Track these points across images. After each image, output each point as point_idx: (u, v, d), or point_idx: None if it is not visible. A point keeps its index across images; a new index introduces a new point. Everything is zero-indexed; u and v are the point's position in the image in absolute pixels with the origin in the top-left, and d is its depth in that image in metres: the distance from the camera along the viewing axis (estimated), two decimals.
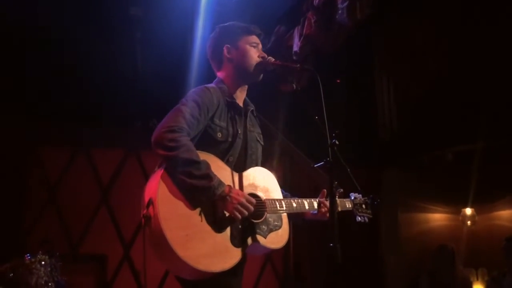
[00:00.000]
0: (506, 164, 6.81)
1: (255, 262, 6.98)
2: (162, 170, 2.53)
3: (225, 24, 3.06)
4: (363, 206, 3.33)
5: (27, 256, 4.52)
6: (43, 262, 4.56)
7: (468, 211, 8.23)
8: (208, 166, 2.55)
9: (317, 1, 5.39)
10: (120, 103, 6.35)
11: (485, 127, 6.30)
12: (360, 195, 3.34)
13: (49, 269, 4.59)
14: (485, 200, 7.92)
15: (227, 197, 2.54)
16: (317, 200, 3.04)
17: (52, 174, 6.58)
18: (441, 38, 6.15)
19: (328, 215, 3.00)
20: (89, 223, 6.57)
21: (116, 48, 5.99)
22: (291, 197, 2.99)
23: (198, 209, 2.53)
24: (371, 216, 3.34)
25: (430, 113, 6.53)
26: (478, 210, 8.21)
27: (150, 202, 2.46)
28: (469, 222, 8.22)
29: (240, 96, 2.98)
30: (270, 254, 7.14)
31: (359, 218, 3.30)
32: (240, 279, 2.76)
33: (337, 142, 2.67)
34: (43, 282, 4.51)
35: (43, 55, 5.86)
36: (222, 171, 2.65)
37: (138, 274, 6.50)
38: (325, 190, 3.07)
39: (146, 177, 2.61)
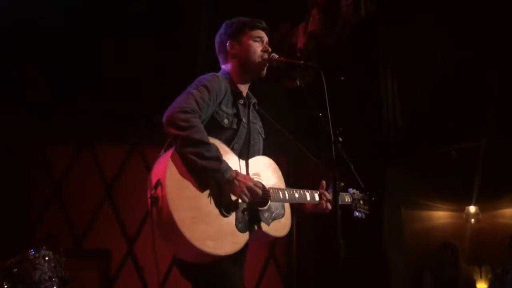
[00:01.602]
0: (510, 162, 6.80)
1: (258, 258, 7.00)
2: (172, 151, 2.55)
3: (232, 19, 3.08)
4: (361, 201, 3.37)
5: (31, 252, 4.52)
6: (47, 258, 4.57)
7: (472, 209, 8.23)
8: (217, 149, 2.59)
9: None
10: (124, 98, 6.36)
11: (489, 124, 6.28)
12: (358, 191, 3.37)
13: (53, 264, 4.60)
14: (489, 198, 7.92)
15: (235, 181, 2.57)
16: (318, 192, 3.07)
17: (57, 170, 6.60)
18: (446, 35, 6.13)
19: (329, 206, 3.04)
20: (93, 219, 6.59)
21: (120, 42, 6.00)
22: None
23: (206, 192, 2.55)
24: (367, 213, 3.38)
25: (435, 110, 6.51)
26: (482, 208, 8.21)
27: (159, 183, 2.48)
28: (473, 220, 8.22)
29: (244, 89, 3.02)
30: (273, 251, 7.16)
31: (357, 213, 3.34)
32: (242, 269, 2.79)
33: (341, 139, 2.67)
34: (47, 278, 4.52)
35: (47, 50, 5.87)
36: (228, 157, 2.69)
37: (142, 269, 6.52)
38: (324, 182, 3.10)
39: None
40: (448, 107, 6.41)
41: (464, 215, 8.32)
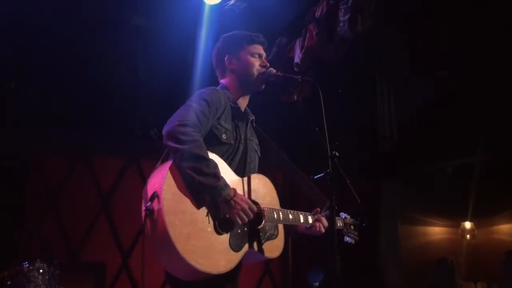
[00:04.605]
0: (506, 178, 6.81)
1: (253, 273, 6.97)
2: (170, 164, 2.52)
3: (229, 33, 3.09)
4: (352, 227, 3.34)
5: (25, 264, 4.51)
6: (41, 270, 4.55)
7: (468, 224, 8.23)
8: (216, 165, 2.56)
9: (319, 13, 5.42)
10: (121, 112, 6.37)
11: (485, 140, 6.31)
12: (349, 216, 3.35)
13: (47, 277, 4.58)
14: (484, 214, 7.93)
15: (231, 201, 2.54)
16: (312, 215, 3.05)
17: (53, 182, 6.57)
18: (442, 51, 6.16)
19: (322, 230, 3.02)
20: (88, 231, 6.56)
21: (117, 57, 6.01)
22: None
23: (202, 209, 2.52)
24: (357, 239, 3.34)
25: (431, 125, 6.54)
26: (477, 224, 8.22)
27: (155, 195, 2.45)
28: (468, 236, 8.22)
29: (243, 104, 3.01)
30: (269, 266, 7.13)
31: (347, 238, 3.30)
32: (236, 286, 2.76)
33: (337, 154, 2.68)
34: None
35: (44, 63, 5.88)
36: (226, 173, 2.66)
37: (136, 283, 6.49)
38: (318, 209, 3.07)
39: None
40: (444, 122, 6.43)
41: (459, 231, 8.33)
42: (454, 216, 8.22)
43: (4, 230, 5.88)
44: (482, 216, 7.98)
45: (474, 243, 8.16)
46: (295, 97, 3.00)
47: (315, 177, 2.77)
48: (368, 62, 6.51)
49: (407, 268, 7.51)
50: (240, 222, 2.57)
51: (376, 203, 7.12)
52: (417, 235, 8.36)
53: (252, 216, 2.62)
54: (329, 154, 2.67)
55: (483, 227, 8.26)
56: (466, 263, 7.65)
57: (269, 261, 6.83)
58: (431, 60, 6.26)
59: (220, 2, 5.35)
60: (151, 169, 2.66)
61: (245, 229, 2.67)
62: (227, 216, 2.58)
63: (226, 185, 2.56)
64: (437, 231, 8.59)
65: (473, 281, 7.43)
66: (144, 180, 6.77)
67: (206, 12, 5.40)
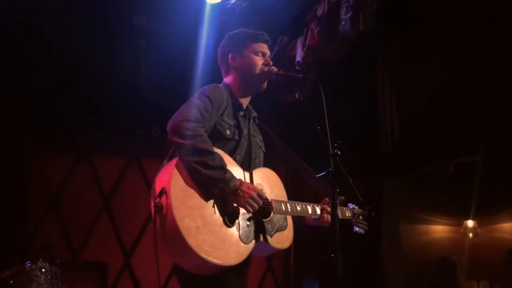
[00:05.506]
0: (508, 177, 6.80)
1: (255, 270, 6.96)
2: (176, 160, 2.55)
3: (234, 31, 3.10)
4: (360, 217, 3.36)
5: (28, 263, 4.51)
6: (43, 270, 4.56)
7: (470, 223, 8.23)
8: (221, 158, 2.59)
9: (320, 12, 5.42)
10: (122, 111, 6.37)
11: (486, 139, 6.30)
12: (357, 206, 3.37)
13: (49, 276, 4.59)
14: (487, 213, 7.92)
15: (239, 191, 2.56)
16: (319, 206, 3.06)
17: (54, 181, 6.57)
18: (444, 51, 6.16)
19: (329, 221, 3.00)
20: (90, 231, 6.56)
21: (119, 56, 6.01)
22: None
23: (210, 202, 2.54)
24: (366, 228, 3.36)
25: (432, 124, 6.53)
26: (480, 223, 8.21)
27: (163, 191, 2.47)
28: (471, 234, 8.22)
29: (245, 102, 3.02)
30: (271, 263, 7.13)
31: (357, 228, 3.33)
32: (245, 282, 2.77)
33: (339, 152, 2.68)
34: None
35: (46, 62, 5.88)
36: (232, 167, 2.68)
37: (139, 282, 6.49)
38: (327, 199, 3.08)
39: (148, 185, 2.61)
40: (446, 121, 6.43)
41: (462, 229, 8.32)
42: (456, 215, 8.22)
43: (6, 229, 5.88)
44: (484, 215, 7.98)
45: (476, 242, 8.15)
46: (297, 96, 3.00)
47: (317, 175, 2.78)
48: (370, 61, 6.51)
49: (409, 266, 7.51)
50: (250, 209, 2.59)
51: (378, 202, 7.12)
52: (419, 234, 8.35)
53: (261, 203, 2.63)
54: (331, 153, 2.67)
55: (486, 226, 8.25)
56: (468, 262, 7.64)
57: (272, 256, 6.85)
58: (431, 59, 6.26)
59: (221, 1, 5.34)
60: (153, 168, 2.68)
61: (255, 221, 2.69)
62: (236, 206, 2.60)
63: (233, 176, 2.58)
64: (439, 230, 8.58)
65: (475, 280, 7.43)
66: (146, 179, 6.79)
67: (207, 11, 5.39)
